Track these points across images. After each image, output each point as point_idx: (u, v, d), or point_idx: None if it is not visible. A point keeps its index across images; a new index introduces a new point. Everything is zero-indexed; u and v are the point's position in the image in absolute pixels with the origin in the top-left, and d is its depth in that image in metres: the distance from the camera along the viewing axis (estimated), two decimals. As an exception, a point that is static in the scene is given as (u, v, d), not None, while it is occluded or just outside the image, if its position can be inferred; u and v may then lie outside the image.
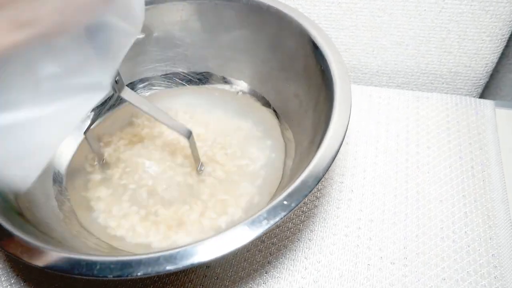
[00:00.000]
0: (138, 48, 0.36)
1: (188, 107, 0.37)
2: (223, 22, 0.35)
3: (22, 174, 0.20)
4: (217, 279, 0.28)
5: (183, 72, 0.38)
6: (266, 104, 0.35)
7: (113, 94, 0.28)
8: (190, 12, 0.35)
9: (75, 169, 0.33)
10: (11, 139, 0.20)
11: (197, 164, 0.31)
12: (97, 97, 0.22)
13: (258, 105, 0.35)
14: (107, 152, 0.33)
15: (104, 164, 0.33)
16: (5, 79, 0.19)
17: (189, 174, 0.31)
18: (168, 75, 0.39)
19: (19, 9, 0.17)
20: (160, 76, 0.38)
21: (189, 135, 0.28)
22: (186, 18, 0.36)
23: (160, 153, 0.33)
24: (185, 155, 0.33)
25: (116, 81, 0.26)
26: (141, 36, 0.36)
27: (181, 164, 0.32)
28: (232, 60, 0.36)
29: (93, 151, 0.33)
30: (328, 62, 0.28)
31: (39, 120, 0.20)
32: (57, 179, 0.31)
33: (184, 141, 0.33)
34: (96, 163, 0.33)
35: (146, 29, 0.36)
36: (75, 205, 0.30)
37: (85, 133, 0.31)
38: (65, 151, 0.33)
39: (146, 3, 0.34)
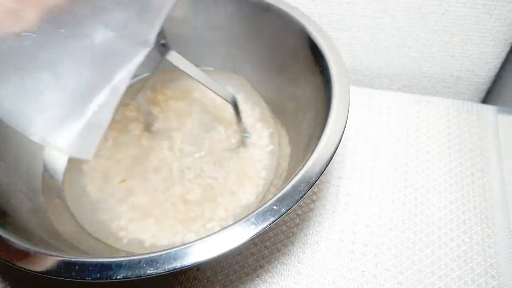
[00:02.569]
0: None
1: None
2: (222, 19, 0.34)
3: (84, 140, 0.20)
4: (207, 282, 0.27)
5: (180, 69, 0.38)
6: (261, 103, 0.35)
7: (160, 60, 0.28)
8: (188, 8, 0.35)
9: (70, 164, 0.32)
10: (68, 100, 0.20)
11: (241, 130, 0.32)
12: (143, 52, 0.22)
13: (252, 104, 0.35)
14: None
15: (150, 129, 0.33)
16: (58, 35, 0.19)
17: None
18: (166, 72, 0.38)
19: None
20: (157, 73, 0.38)
21: (233, 99, 0.29)
22: (184, 14, 0.35)
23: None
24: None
25: (162, 44, 0.26)
26: None
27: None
28: (230, 58, 0.36)
29: (143, 114, 0.33)
30: (328, 63, 0.27)
31: (93, 80, 0.21)
32: (48, 173, 0.31)
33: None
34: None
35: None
36: (69, 200, 0.30)
37: (136, 95, 0.32)
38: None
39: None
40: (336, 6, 0.37)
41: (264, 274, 0.28)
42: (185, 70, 0.28)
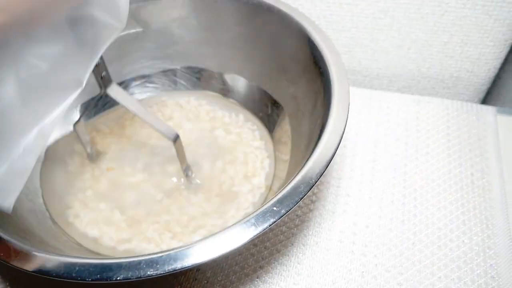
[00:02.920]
0: (135, 45, 0.36)
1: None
2: (222, 20, 0.34)
3: (6, 186, 0.19)
4: (207, 282, 0.27)
5: (181, 70, 0.38)
6: (261, 104, 0.35)
7: (102, 92, 0.27)
8: (189, 9, 0.35)
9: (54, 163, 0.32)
10: None
11: (183, 168, 0.30)
12: (75, 93, 0.21)
13: (252, 105, 0.35)
14: (96, 146, 0.33)
15: (92, 157, 0.32)
16: None
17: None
18: (166, 72, 0.38)
19: None
20: (157, 73, 0.38)
21: (175, 138, 0.27)
22: (185, 15, 0.35)
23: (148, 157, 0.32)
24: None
25: (102, 76, 0.25)
26: (140, 29, 0.36)
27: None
28: (231, 59, 0.36)
29: (82, 144, 0.31)
30: (327, 65, 0.27)
31: (20, 120, 0.19)
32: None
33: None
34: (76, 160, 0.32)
35: (144, 24, 0.35)
36: (51, 205, 0.30)
37: (74, 125, 0.30)
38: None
39: (145, -1, 0.34)
40: (335, 7, 0.37)
41: (264, 275, 0.28)
42: (126, 105, 0.26)
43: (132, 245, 0.27)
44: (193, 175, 0.30)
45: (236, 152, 0.32)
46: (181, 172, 0.30)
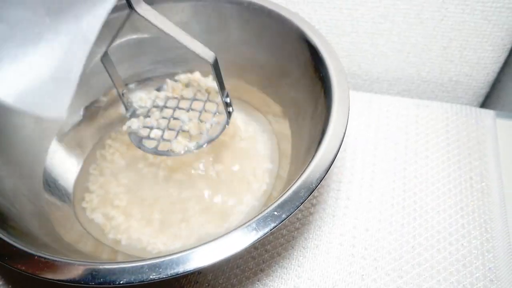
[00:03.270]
0: (137, 49, 0.36)
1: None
2: (223, 25, 0.35)
3: (56, 98, 0.18)
4: (208, 285, 0.27)
5: (182, 73, 0.38)
6: (262, 108, 0.35)
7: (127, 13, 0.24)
8: (190, 14, 0.35)
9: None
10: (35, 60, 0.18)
11: (223, 94, 0.28)
12: (110, 3, 0.19)
13: (253, 109, 0.35)
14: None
15: (124, 95, 0.31)
16: None
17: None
18: (168, 76, 0.38)
19: None
20: (159, 76, 0.38)
21: (213, 60, 0.25)
22: (186, 19, 0.35)
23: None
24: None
25: None
26: (142, 35, 0.35)
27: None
28: (231, 64, 0.36)
29: (110, 77, 0.30)
30: (328, 69, 0.27)
31: (57, 36, 0.18)
32: (48, 179, 0.31)
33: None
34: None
35: (146, 28, 0.36)
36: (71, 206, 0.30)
37: (101, 58, 0.28)
38: (60, 153, 0.33)
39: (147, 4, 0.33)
40: (335, 12, 0.37)
41: (265, 278, 0.28)
42: (158, 25, 0.24)
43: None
44: (232, 108, 0.29)
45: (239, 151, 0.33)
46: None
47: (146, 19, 0.24)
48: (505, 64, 0.39)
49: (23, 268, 0.19)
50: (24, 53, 0.18)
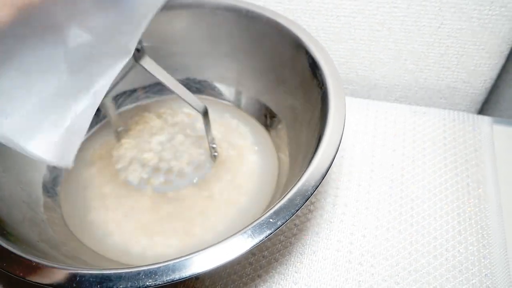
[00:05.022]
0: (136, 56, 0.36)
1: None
2: (222, 32, 0.35)
3: (62, 148, 0.20)
4: (206, 291, 0.28)
5: (181, 81, 0.38)
6: (259, 115, 0.35)
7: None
8: (189, 21, 0.35)
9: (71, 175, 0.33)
10: (43, 108, 0.20)
11: (209, 141, 0.31)
12: (123, 62, 0.22)
13: (250, 116, 0.36)
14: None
15: (119, 134, 0.33)
16: (33, 43, 0.19)
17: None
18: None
19: None
20: (158, 83, 0.38)
21: (204, 110, 0.28)
22: (185, 26, 0.36)
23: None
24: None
25: (137, 49, 0.25)
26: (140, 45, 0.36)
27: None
28: (230, 71, 0.36)
29: (109, 119, 0.33)
30: (324, 77, 0.28)
31: (70, 86, 0.20)
32: (48, 186, 0.31)
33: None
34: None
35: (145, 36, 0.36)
36: (69, 213, 0.30)
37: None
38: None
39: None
40: (333, 19, 0.38)
41: (262, 284, 0.28)
42: (158, 77, 0.27)
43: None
44: (217, 149, 0.32)
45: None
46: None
47: (148, 72, 0.27)
48: (502, 70, 0.40)
49: (20, 274, 0.19)
50: (50, 111, 0.20)
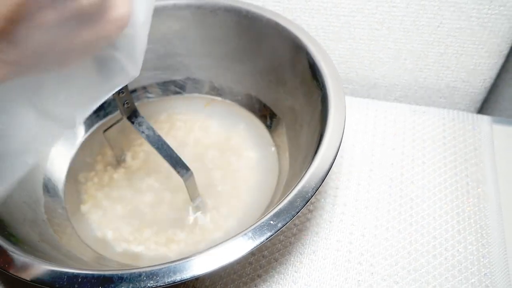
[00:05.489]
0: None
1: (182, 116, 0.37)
2: (222, 33, 0.35)
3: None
4: (206, 291, 0.28)
5: (181, 81, 0.38)
6: (259, 115, 0.35)
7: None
8: (189, 21, 0.35)
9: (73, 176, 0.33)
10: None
11: (193, 202, 0.30)
12: (62, 131, 0.22)
13: (251, 117, 0.36)
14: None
15: (120, 163, 0.33)
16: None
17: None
18: (166, 83, 0.39)
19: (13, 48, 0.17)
20: (158, 83, 0.39)
21: (188, 176, 0.27)
22: (185, 27, 0.36)
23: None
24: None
25: (124, 104, 0.26)
26: None
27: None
28: (230, 71, 0.36)
29: (111, 147, 0.33)
30: (324, 78, 0.28)
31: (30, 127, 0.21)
32: (49, 186, 0.31)
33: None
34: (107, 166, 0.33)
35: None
36: (70, 213, 0.30)
37: (104, 132, 0.31)
38: (60, 160, 0.34)
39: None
40: (333, 18, 0.38)
41: (262, 284, 0.28)
42: (144, 138, 0.27)
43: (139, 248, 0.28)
44: (201, 210, 0.30)
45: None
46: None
47: (136, 130, 0.27)
48: (502, 70, 0.40)
49: (22, 275, 0.20)
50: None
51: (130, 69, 0.21)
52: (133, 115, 0.27)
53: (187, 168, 0.27)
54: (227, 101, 0.37)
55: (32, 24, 0.16)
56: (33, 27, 0.16)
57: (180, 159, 0.27)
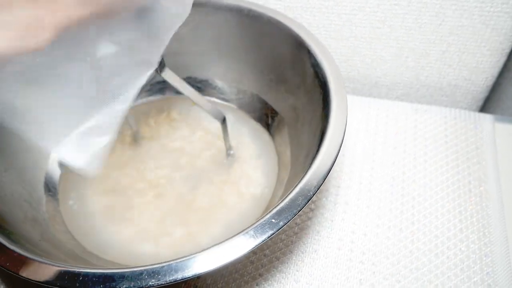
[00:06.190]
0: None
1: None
2: (223, 31, 0.35)
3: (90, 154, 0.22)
4: (207, 290, 0.28)
5: (183, 79, 0.38)
6: (259, 119, 0.35)
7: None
8: (188, 19, 0.35)
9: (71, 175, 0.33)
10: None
11: (227, 148, 0.33)
12: (147, 73, 0.23)
13: (251, 121, 0.36)
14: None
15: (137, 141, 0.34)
16: (67, 53, 0.20)
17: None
18: (166, 82, 0.38)
19: None
20: (159, 82, 0.38)
21: (222, 119, 0.30)
22: (184, 25, 0.35)
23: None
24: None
25: (159, 62, 0.26)
26: None
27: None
28: (232, 69, 0.36)
29: (130, 127, 0.34)
30: (326, 76, 0.28)
31: (96, 99, 0.21)
32: (50, 184, 0.31)
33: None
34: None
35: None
36: (66, 212, 0.30)
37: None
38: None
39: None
40: (334, 17, 0.38)
41: (263, 283, 0.28)
42: (179, 89, 0.28)
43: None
44: (233, 153, 0.33)
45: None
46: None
47: (169, 82, 0.28)
48: (504, 68, 0.40)
49: (23, 274, 0.20)
50: (76, 120, 0.22)
51: (179, 10, 0.22)
52: (163, 71, 0.28)
53: (222, 113, 0.30)
54: (227, 100, 0.37)
55: None
56: None
57: (214, 106, 0.30)
